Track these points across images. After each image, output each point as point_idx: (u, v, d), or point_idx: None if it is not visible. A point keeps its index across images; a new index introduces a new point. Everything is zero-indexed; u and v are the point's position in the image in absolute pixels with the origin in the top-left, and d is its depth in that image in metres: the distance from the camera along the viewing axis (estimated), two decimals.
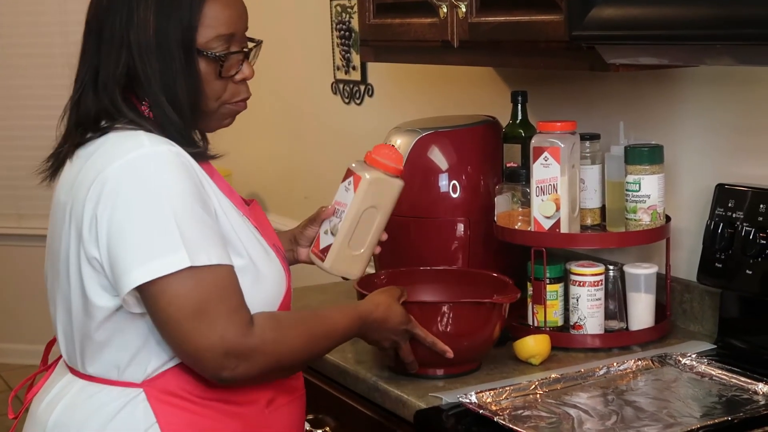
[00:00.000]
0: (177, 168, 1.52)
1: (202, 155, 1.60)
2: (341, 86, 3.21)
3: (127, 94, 1.58)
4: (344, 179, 1.82)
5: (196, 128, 1.65)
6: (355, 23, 3.02)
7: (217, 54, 1.58)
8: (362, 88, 3.12)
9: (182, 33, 1.55)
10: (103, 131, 1.57)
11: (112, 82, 1.57)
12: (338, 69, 3.21)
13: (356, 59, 3.11)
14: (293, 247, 1.93)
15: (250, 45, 1.66)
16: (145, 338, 1.54)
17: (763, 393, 1.75)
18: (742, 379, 1.80)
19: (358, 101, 3.15)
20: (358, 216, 1.79)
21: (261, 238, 1.64)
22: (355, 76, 3.14)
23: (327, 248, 1.82)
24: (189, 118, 1.58)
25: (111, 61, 1.57)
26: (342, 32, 3.14)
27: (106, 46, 1.57)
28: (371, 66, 3.08)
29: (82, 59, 1.61)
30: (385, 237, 1.88)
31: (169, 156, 1.52)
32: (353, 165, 1.83)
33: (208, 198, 1.55)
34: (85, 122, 1.59)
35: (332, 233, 1.81)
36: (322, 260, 1.83)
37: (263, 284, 1.60)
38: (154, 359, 1.55)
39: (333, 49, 3.21)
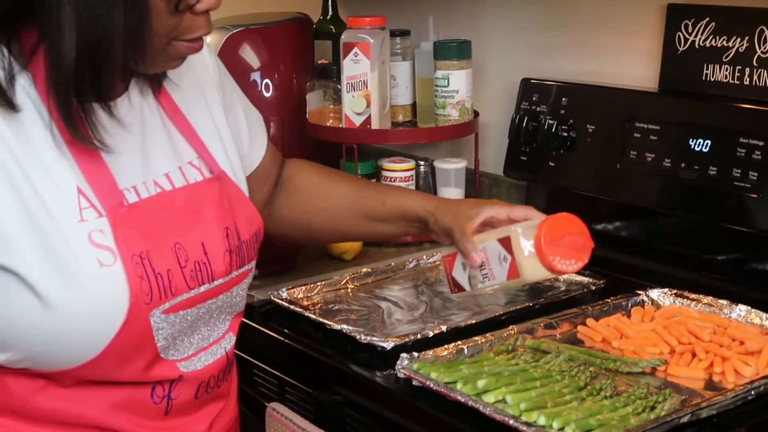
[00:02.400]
0: None
1: (78, 136, 1.14)
2: None
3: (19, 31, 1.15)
4: (501, 242, 1.37)
5: (122, 76, 1.21)
6: None
7: None
8: None
9: None
10: None
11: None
12: None
13: None
14: (441, 224, 1.47)
15: None
16: None
17: (564, 279, 1.81)
18: None
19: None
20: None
21: (82, 250, 1.15)
22: None
23: (460, 287, 1.46)
24: (101, 73, 1.12)
25: None
26: None
27: None
28: None
29: None
30: None
31: None
32: (521, 237, 1.34)
33: None
34: None
35: (470, 283, 1.44)
36: (451, 290, 1.48)
37: (59, 316, 1.14)
38: None
39: None
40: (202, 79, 1.38)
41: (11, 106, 1.13)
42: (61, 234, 1.14)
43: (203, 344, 1.30)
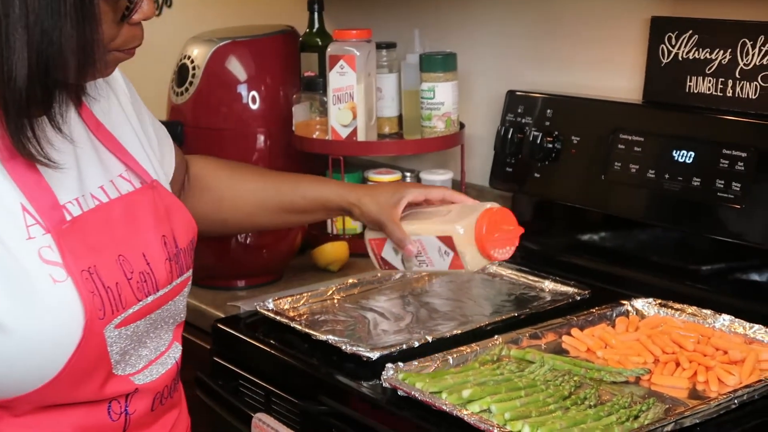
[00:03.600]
0: None
1: (25, 153, 1.12)
2: None
3: None
4: (442, 239, 1.48)
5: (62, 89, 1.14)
6: None
7: None
8: None
9: None
10: None
11: None
12: None
13: None
14: (364, 209, 1.55)
15: None
16: None
17: (549, 290, 1.82)
18: (531, 277, 1.87)
19: (156, 12, 3.06)
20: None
21: (34, 268, 1.12)
22: None
23: (390, 266, 1.56)
24: (53, 88, 1.11)
25: None
26: None
27: None
28: None
29: None
30: None
31: None
32: (462, 236, 1.45)
33: None
34: None
35: (403, 264, 1.54)
36: (379, 267, 1.59)
37: (14, 340, 1.11)
38: None
39: None
40: (116, 91, 1.36)
41: None
42: (10, 253, 1.11)
43: (152, 356, 1.28)
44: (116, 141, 1.30)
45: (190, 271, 1.34)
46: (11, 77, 1.06)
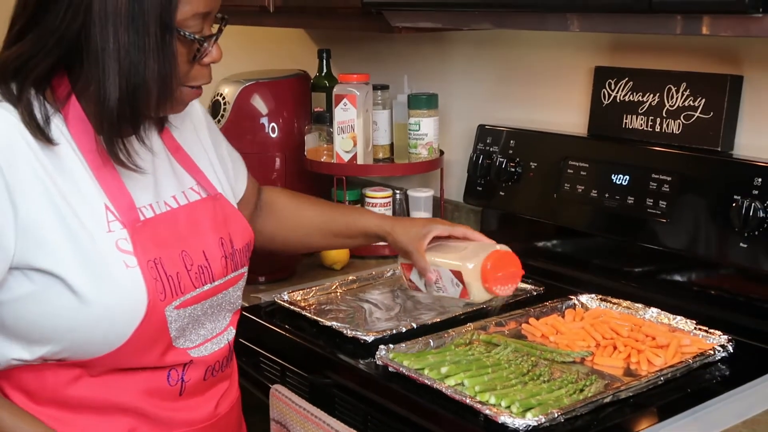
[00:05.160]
0: None
1: (118, 161, 1.16)
2: None
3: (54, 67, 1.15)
4: (453, 273, 1.42)
5: (148, 118, 1.19)
6: None
7: (196, 36, 1.14)
8: None
9: (161, 6, 1.10)
10: None
11: (53, 45, 1.11)
12: None
13: None
14: (398, 238, 1.49)
15: (215, 22, 1.22)
16: None
17: (521, 287, 1.81)
18: None
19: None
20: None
21: (111, 255, 1.15)
22: None
23: (416, 287, 1.51)
24: (139, 110, 1.12)
25: (58, 21, 1.10)
26: None
27: (57, 3, 1.10)
28: None
29: (22, 7, 1.14)
30: None
31: None
32: (470, 273, 1.40)
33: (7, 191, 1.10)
34: None
35: (425, 287, 1.49)
36: (408, 287, 1.53)
37: (92, 310, 1.13)
38: None
39: None
40: (196, 124, 1.39)
41: (49, 140, 1.14)
42: (93, 242, 1.14)
43: (208, 335, 1.29)
44: (190, 160, 1.33)
45: (245, 267, 1.35)
46: (106, 99, 1.10)
